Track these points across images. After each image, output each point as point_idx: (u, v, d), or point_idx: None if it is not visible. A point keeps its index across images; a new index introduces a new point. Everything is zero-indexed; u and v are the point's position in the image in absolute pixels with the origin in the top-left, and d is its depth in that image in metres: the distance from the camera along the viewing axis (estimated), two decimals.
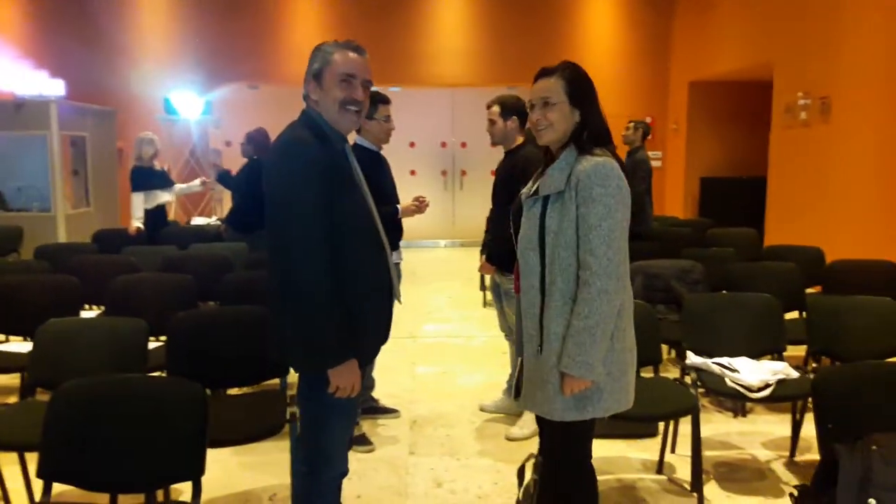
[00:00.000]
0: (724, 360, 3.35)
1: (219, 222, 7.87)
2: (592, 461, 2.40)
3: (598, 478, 2.44)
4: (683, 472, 3.39)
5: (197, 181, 7.14)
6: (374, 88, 2.38)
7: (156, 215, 6.59)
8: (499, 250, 3.77)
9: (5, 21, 10.39)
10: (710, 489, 3.22)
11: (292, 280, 2.03)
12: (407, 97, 10.00)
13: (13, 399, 3.87)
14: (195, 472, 2.15)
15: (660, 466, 3.44)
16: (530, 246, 2.25)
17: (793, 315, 4.26)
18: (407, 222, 3.76)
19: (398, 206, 3.66)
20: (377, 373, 4.11)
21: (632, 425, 3.60)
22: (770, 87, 8.06)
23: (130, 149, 6.88)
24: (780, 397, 3.17)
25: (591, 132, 2.22)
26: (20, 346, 3.77)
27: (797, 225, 7.41)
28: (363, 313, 2.17)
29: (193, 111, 10.10)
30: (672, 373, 4.12)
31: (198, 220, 7.92)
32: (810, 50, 7.16)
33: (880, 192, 6.17)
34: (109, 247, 5.95)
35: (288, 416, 2.82)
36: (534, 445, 3.69)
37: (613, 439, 3.70)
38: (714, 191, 10.00)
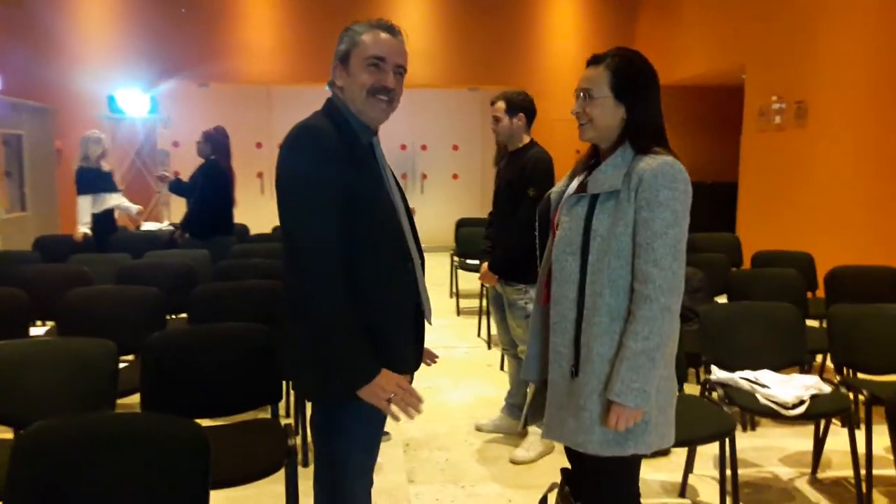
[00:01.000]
0: (750, 375, 3.13)
1: (171, 227, 7.38)
2: None
3: None
4: (707, 495, 3.15)
5: (134, 208, 6.60)
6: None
7: (104, 220, 6.11)
8: (503, 258, 3.47)
9: None
10: None
11: (300, 292, 1.73)
12: None
13: None
14: None
15: (682, 489, 3.19)
16: (569, 250, 1.95)
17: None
18: None
19: None
20: None
21: None
22: (739, 91, 8.00)
23: (71, 149, 6.35)
24: (817, 414, 2.95)
25: (643, 130, 1.93)
26: None
27: (772, 230, 7.33)
28: (383, 333, 1.84)
29: (140, 110, 9.53)
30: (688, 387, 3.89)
31: (148, 226, 7.41)
32: (784, 53, 7.10)
33: (861, 195, 6.11)
34: (53, 255, 5.46)
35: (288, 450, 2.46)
36: (544, 469, 3.43)
37: None
38: None
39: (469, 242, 6.78)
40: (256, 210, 9.77)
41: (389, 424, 3.83)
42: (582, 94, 1.98)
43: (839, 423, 3.74)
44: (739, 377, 3.10)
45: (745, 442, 3.73)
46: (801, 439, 3.74)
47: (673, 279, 1.82)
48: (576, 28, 11.15)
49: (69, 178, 5.99)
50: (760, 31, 7.54)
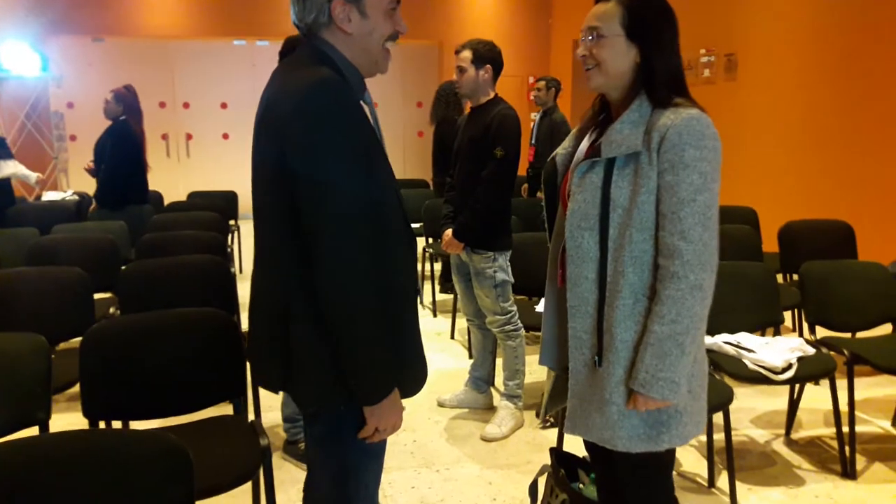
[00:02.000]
0: (731, 339, 3.03)
1: (75, 196, 6.75)
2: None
3: None
4: (689, 465, 3.05)
5: (33, 176, 5.97)
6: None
7: (1, 191, 5.49)
8: (468, 224, 3.20)
9: None
10: (725, 482, 2.89)
11: (327, 287, 1.42)
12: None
13: None
14: None
15: None
16: (586, 225, 1.70)
17: None
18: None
19: None
20: None
21: None
22: None
23: None
24: (805, 377, 2.88)
25: (661, 78, 1.69)
26: None
27: None
28: (402, 332, 1.58)
29: (29, 68, 8.64)
30: None
31: (50, 196, 6.74)
32: (712, 6, 7.06)
33: (795, 146, 6.17)
34: None
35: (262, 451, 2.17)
36: (519, 446, 3.24)
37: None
38: None
39: None
40: (167, 174, 9.15)
41: None
42: (589, 33, 1.72)
43: (813, 383, 3.74)
44: (723, 342, 2.99)
45: None
46: (768, 399, 3.72)
47: (704, 252, 1.59)
48: None
49: None
50: None
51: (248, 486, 2.21)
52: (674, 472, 2.98)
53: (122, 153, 5.07)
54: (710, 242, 1.60)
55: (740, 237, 4.28)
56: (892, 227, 5.29)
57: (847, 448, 2.96)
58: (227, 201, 6.62)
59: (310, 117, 1.40)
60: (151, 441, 1.54)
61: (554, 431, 3.36)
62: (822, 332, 3.25)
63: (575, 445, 2.40)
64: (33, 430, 1.99)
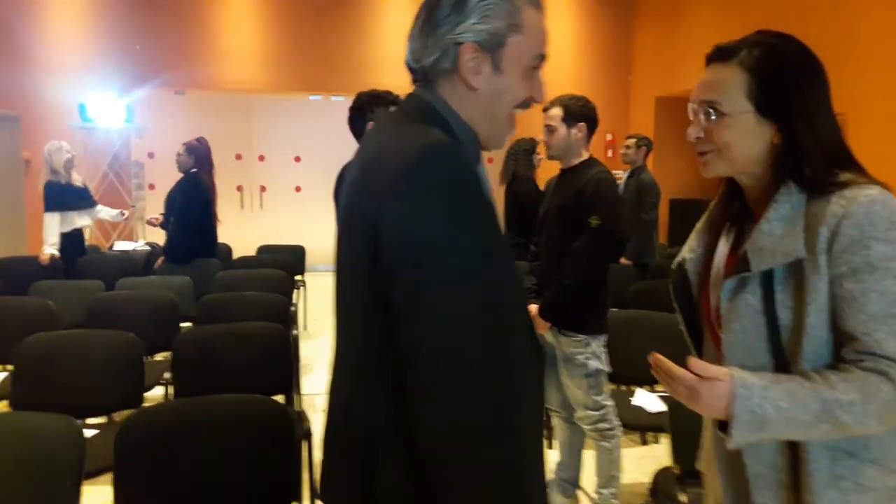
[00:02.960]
0: None
1: (147, 247, 6.71)
2: None
3: None
4: None
5: (116, 212, 5.96)
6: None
7: (72, 241, 5.44)
8: (557, 301, 2.84)
9: None
10: None
11: (443, 413, 1.02)
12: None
13: None
14: None
15: None
16: (753, 364, 1.26)
17: None
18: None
19: None
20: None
21: None
22: None
23: (40, 161, 5.69)
24: None
25: (813, 157, 1.25)
26: None
27: None
28: (522, 468, 1.14)
29: (113, 119, 8.81)
30: None
31: (121, 245, 6.72)
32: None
33: None
34: (16, 282, 4.80)
35: None
36: None
37: None
38: (684, 214, 9.42)
39: None
40: (238, 227, 9.11)
41: None
42: (703, 108, 1.33)
43: None
44: None
45: None
46: None
47: None
48: (569, 32, 10.66)
49: (37, 192, 5.35)
50: None
51: None
52: None
53: (191, 206, 4.99)
54: None
55: None
56: None
57: None
58: (295, 256, 6.47)
59: (419, 197, 1.05)
60: None
61: None
62: None
63: None
64: None
